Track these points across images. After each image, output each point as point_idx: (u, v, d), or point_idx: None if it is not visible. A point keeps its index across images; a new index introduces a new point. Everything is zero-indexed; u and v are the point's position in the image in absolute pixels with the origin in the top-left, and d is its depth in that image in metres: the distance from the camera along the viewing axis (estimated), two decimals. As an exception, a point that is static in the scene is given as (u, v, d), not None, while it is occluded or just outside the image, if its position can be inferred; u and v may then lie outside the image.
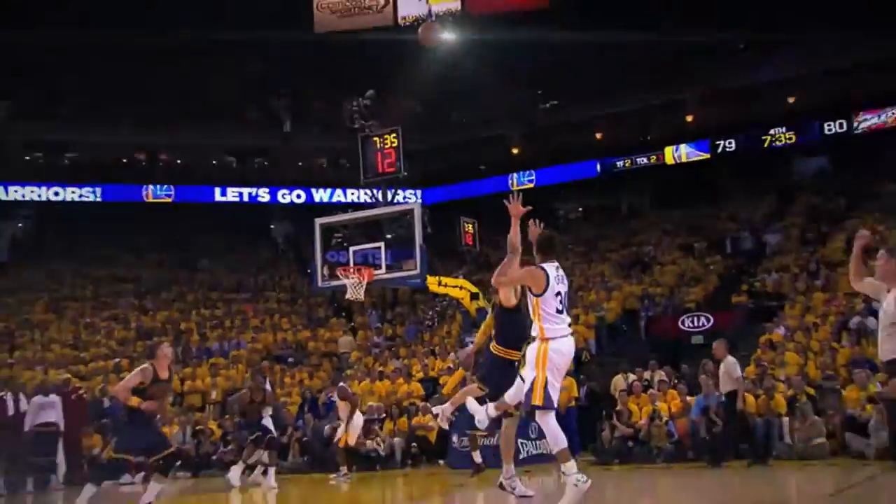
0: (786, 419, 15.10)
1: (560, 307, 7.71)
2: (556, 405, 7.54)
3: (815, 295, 22.67)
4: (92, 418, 20.23)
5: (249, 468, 15.00)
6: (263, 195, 38.52)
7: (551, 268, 7.75)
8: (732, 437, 14.64)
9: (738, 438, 14.71)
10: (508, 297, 9.24)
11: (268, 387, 15.28)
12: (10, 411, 17.27)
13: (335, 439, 16.25)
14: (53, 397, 17.91)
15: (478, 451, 13.56)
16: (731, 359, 14.59)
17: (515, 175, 38.25)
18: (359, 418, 16.23)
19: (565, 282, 7.91)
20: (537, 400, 7.32)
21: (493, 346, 9.31)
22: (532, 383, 7.37)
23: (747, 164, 34.47)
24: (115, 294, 31.81)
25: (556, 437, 7.38)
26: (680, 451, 15.70)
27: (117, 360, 25.35)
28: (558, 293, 7.69)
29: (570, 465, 7.46)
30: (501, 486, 8.93)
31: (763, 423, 15.07)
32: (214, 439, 20.06)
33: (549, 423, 7.34)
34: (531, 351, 7.60)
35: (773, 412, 15.22)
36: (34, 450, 17.47)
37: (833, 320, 20.43)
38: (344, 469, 15.63)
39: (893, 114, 31.69)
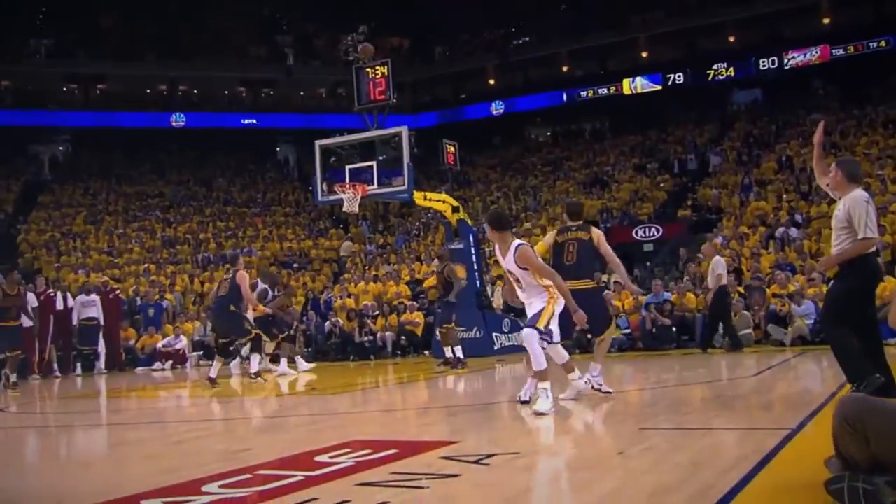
0: (720, 314, 15.30)
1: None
2: (551, 334, 7.20)
3: (748, 209, 22.89)
4: (126, 314, 20.52)
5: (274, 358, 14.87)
6: (270, 121, 38.24)
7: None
8: (713, 327, 14.61)
9: (714, 327, 14.64)
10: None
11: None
12: (59, 306, 17.55)
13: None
14: (94, 296, 18.18)
15: (449, 347, 13.76)
16: (717, 258, 14.74)
17: (493, 103, 37.99)
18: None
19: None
20: (542, 325, 7.07)
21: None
22: (541, 311, 7.11)
23: (693, 94, 34.38)
24: (143, 208, 31.71)
25: (538, 360, 7.12)
26: (631, 342, 16.05)
27: (146, 265, 25.58)
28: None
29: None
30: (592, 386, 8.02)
31: (702, 318, 15.39)
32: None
33: (535, 347, 7.08)
34: (542, 299, 7.20)
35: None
36: (80, 340, 17.95)
37: (762, 230, 20.70)
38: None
39: (818, 52, 31.69)
